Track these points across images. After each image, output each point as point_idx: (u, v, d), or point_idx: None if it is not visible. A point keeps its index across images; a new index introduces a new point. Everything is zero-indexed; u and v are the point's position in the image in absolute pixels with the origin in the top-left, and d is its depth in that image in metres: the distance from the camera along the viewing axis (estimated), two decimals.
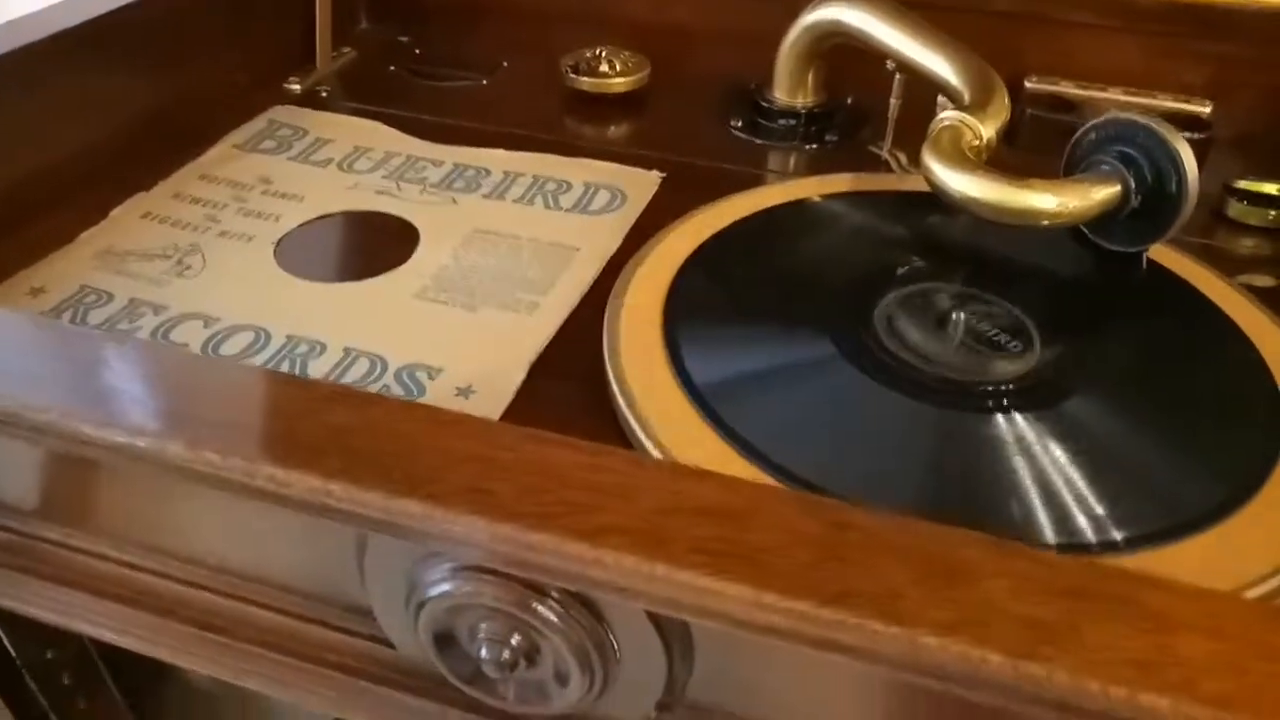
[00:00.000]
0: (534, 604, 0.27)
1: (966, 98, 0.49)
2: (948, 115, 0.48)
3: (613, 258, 0.50)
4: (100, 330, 0.43)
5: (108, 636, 0.36)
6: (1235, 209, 0.54)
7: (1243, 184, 0.54)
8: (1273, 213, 0.53)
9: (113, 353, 0.30)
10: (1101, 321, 0.45)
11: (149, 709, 0.48)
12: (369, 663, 0.33)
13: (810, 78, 0.62)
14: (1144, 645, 0.22)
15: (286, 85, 0.67)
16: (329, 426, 0.27)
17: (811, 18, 0.58)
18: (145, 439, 0.27)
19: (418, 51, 0.72)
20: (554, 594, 0.27)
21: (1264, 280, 0.49)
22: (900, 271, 0.47)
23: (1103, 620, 0.23)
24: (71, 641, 0.43)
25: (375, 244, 0.52)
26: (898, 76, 0.57)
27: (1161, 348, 0.44)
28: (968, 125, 0.47)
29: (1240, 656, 0.22)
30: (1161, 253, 0.48)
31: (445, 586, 0.28)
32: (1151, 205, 0.45)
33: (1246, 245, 0.53)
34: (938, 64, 0.52)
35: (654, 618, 0.27)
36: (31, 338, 0.31)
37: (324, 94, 0.67)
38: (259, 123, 0.62)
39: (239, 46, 0.66)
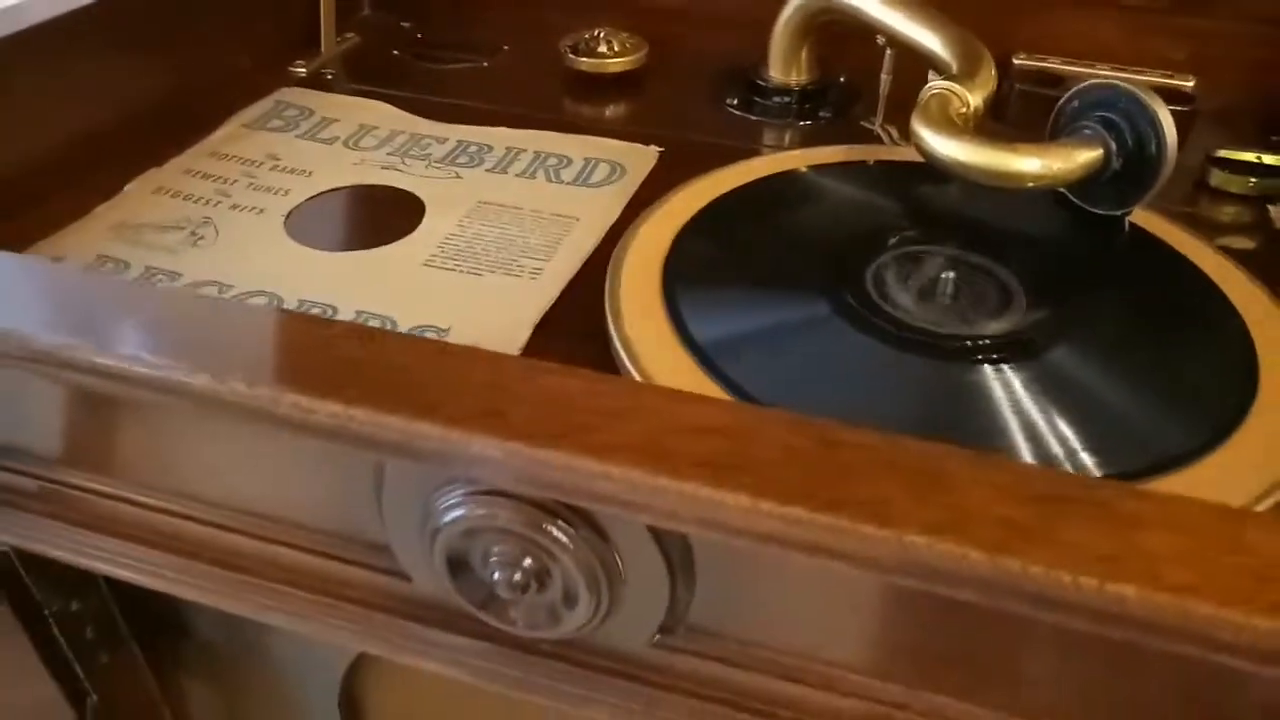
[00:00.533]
0: (545, 525, 0.29)
1: (954, 68, 0.51)
2: (936, 84, 0.50)
3: (613, 227, 0.52)
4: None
5: (135, 578, 0.37)
6: (1217, 177, 0.56)
7: (1223, 153, 0.56)
8: (1253, 180, 0.55)
9: (138, 294, 0.31)
10: (1086, 281, 0.47)
11: (166, 665, 0.50)
12: (386, 596, 0.35)
13: (804, 56, 0.63)
14: (1113, 542, 0.24)
15: (292, 69, 0.68)
16: (346, 358, 0.29)
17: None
18: (174, 371, 0.29)
19: (420, 36, 0.74)
20: (563, 515, 0.29)
21: (1243, 244, 0.51)
22: (892, 236, 0.49)
23: (1075, 521, 0.24)
24: (94, 594, 0.45)
25: (383, 216, 0.54)
26: (888, 52, 0.59)
27: (1143, 305, 0.46)
28: (955, 94, 0.49)
29: (1203, 550, 0.24)
30: (1145, 218, 0.50)
31: (460, 511, 0.30)
32: (1132, 168, 0.47)
33: (1228, 212, 0.55)
34: (926, 37, 0.54)
35: (657, 536, 0.29)
36: (59, 281, 0.33)
37: (329, 76, 0.68)
38: (266, 103, 0.64)
39: (244, 31, 0.68)
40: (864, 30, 0.58)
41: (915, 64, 0.56)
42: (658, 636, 0.32)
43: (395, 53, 0.72)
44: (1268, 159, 0.55)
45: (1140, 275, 0.48)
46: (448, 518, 0.30)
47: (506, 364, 0.30)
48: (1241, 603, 0.22)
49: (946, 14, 0.55)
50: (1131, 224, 0.50)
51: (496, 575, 0.30)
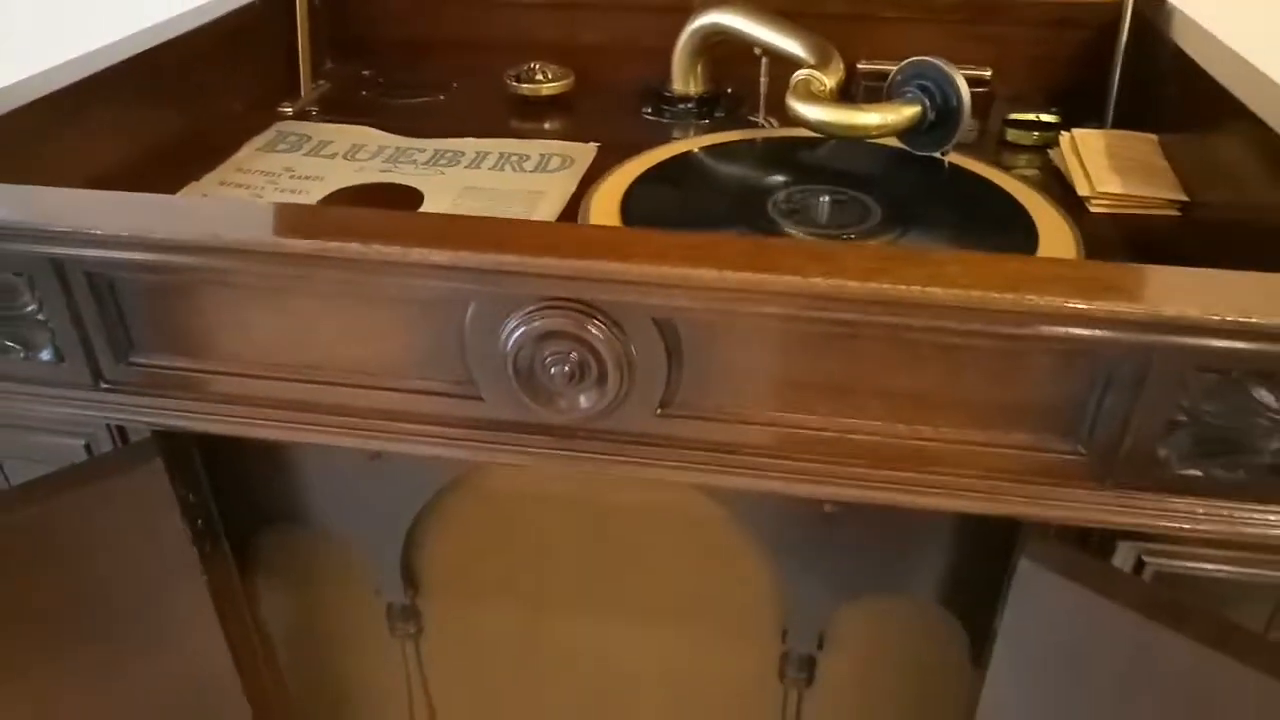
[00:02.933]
0: (586, 325, 0.46)
1: (813, 62, 0.72)
2: (801, 72, 0.70)
3: (572, 197, 0.70)
4: None
5: (271, 434, 0.52)
6: (1011, 134, 0.78)
7: (1014, 116, 0.78)
8: (1035, 134, 0.77)
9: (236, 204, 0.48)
10: (921, 198, 0.67)
11: (248, 564, 0.64)
12: (465, 416, 0.50)
13: (699, 71, 0.84)
14: (927, 270, 0.43)
15: (280, 109, 0.85)
16: (437, 227, 0.46)
17: (697, 23, 0.80)
18: (298, 243, 0.45)
19: (380, 81, 0.92)
20: (598, 316, 0.46)
21: (1031, 173, 0.73)
22: (780, 185, 0.68)
23: (904, 263, 0.43)
24: (202, 490, 0.59)
25: (389, 203, 0.70)
26: (764, 61, 0.79)
27: (964, 208, 0.67)
28: (815, 77, 0.70)
29: (978, 269, 0.43)
30: (965, 161, 0.71)
31: (528, 326, 0.46)
32: (943, 118, 0.68)
33: (1021, 158, 0.77)
34: (791, 44, 0.75)
35: (659, 326, 0.46)
36: (171, 205, 0.49)
37: (313, 113, 0.85)
38: (270, 133, 0.80)
39: (233, 81, 0.84)
40: (745, 46, 0.79)
41: (784, 72, 0.76)
42: (659, 410, 0.49)
43: (364, 93, 0.89)
44: (1045, 118, 0.78)
45: (961, 193, 0.69)
46: (519, 334, 0.47)
47: (540, 225, 0.47)
48: (995, 289, 0.41)
49: (806, 29, 0.76)
50: (954, 164, 0.71)
51: (553, 371, 0.47)
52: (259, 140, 0.79)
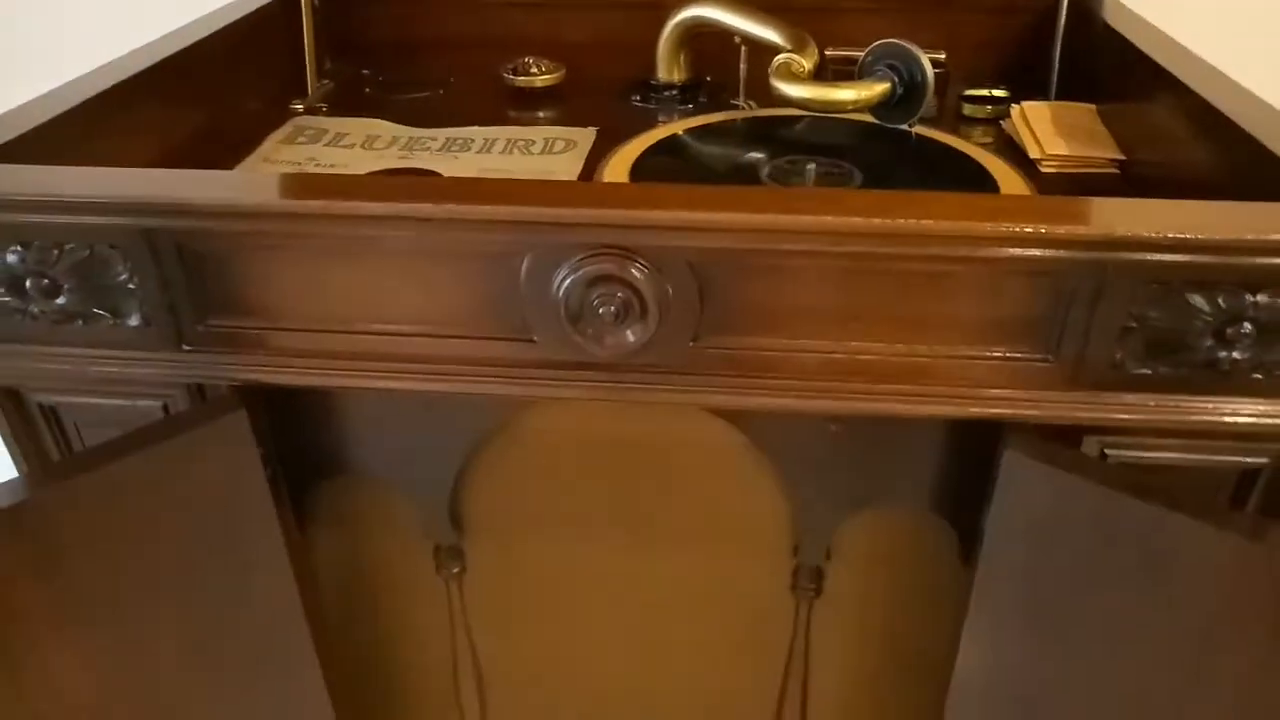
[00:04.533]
0: (629, 267, 0.54)
1: (790, 47, 0.81)
2: (781, 56, 0.79)
3: (579, 176, 0.78)
4: None
5: (344, 384, 0.59)
6: (967, 109, 0.88)
7: (969, 93, 0.88)
8: (989, 107, 0.87)
9: (315, 175, 0.55)
10: (895, 164, 0.76)
11: (303, 510, 0.71)
12: (517, 358, 0.58)
13: (682, 60, 0.92)
14: (917, 207, 0.51)
15: (292, 106, 0.92)
16: (484, 184, 0.53)
17: (680, 16, 0.89)
18: (376, 206, 0.52)
19: (380, 79, 0.99)
20: (639, 259, 0.54)
21: (986, 141, 0.83)
22: (766, 156, 0.77)
23: (902, 203, 0.52)
24: (269, 444, 0.65)
25: None
26: (743, 48, 0.88)
27: (931, 168, 0.76)
28: (794, 60, 0.79)
29: (961, 206, 0.52)
30: (929, 133, 0.80)
31: (579, 272, 0.54)
32: (909, 94, 0.78)
33: (977, 131, 0.87)
34: (768, 32, 0.84)
35: (692, 269, 0.54)
36: (257, 178, 0.56)
37: (323, 109, 0.92)
38: (288, 128, 0.87)
39: (245, 82, 0.90)
40: (723, 37, 0.87)
41: (762, 60, 0.85)
42: (692, 342, 0.57)
43: (367, 90, 0.97)
44: (996, 94, 0.88)
45: (929, 159, 0.78)
46: (570, 281, 0.54)
47: (601, 184, 0.55)
48: (977, 220, 0.50)
49: (780, 18, 0.85)
50: (920, 135, 0.80)
51: (601, 311, 0.55)
52: (279, 134, 0.86)
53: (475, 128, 0.87)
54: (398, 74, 1.00)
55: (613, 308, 0.55)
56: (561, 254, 0.55)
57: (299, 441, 0.67)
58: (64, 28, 1.19)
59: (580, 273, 0.55)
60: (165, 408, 0.64)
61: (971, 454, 0.62)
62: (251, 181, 0.58)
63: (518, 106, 0.93)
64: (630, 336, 0.56)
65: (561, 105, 0.94)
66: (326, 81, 0.97)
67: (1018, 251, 0.52)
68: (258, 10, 0.92)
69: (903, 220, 0.51)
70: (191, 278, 0.58)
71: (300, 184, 0.56)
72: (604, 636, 0.78)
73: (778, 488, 0.68)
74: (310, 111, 0.92)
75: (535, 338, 0.58)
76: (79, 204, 0.56)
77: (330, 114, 0.92)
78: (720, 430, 0.65)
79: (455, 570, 0.74)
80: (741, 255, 0.54)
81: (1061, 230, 0.50)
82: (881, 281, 0.55)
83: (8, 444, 0.66)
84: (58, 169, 0.58)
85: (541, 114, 0.92)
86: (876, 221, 0.51)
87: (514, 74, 0.94)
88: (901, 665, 0.75)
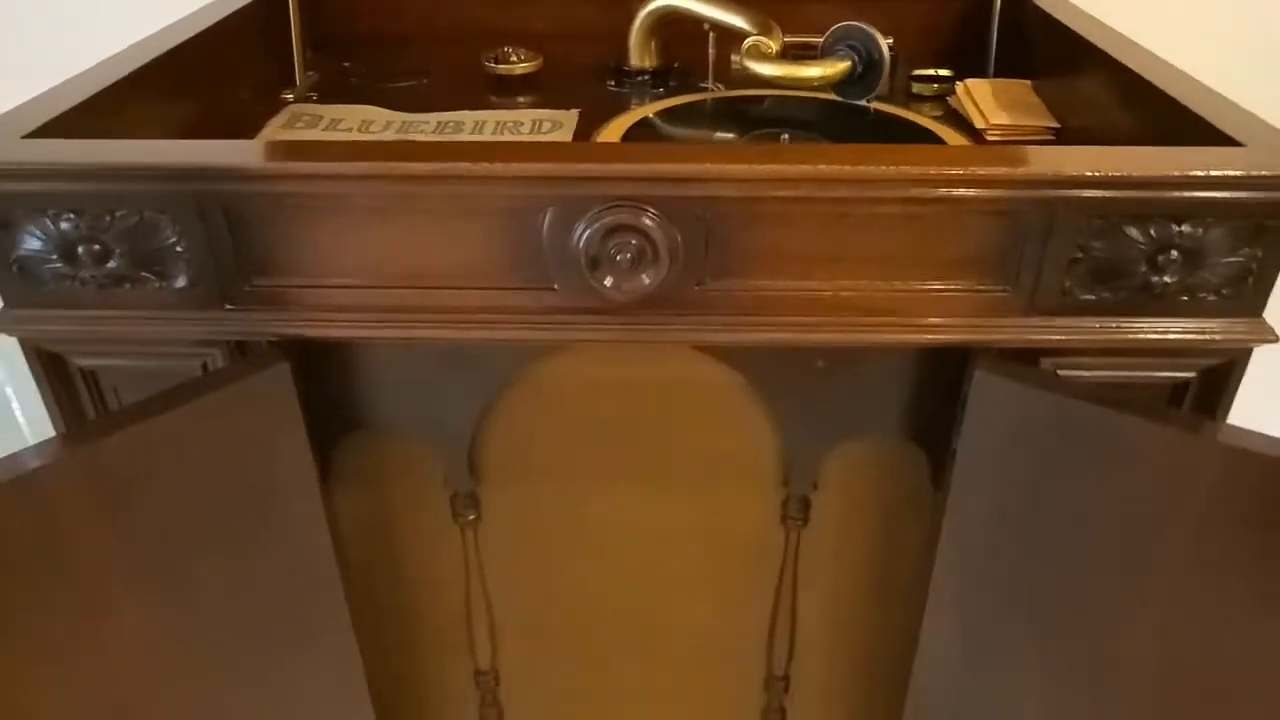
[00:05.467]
0: (642, 217, 0.61)
1: (756, 31, 0.89)
2: (750, 38, 0.87)
3: None
4: None
5: (378, 336, 0.65)
6: (916, 87, 0.97)
7: (917, 73, 0.97)
8: (935, 85, 0.97)
9: (356, 142, 0.61)
10: (858, 136, 0.85)
11: (329, 465, 0.76)
12: (540, 305, 0.65)
13: (653, 47, 1.00)
14: (898, 154, 0.60)
15: (283, 96, 0.97)
16: (510, 147, 0.60)
17: (652, 6, 0.96)
18: (416, 166, 0.59)
19: (362, 70, 1.05)
20: (651, 209, 0.61)
21: (936, 114, 0.92)
22: (742, 130, 0.85)
23: (883, 152, 0.60)
24: (304, 400, 0.71)
25: None
26: (711, 35, 0.96)
27: (891, 139, 0.85)
28: (763, 41, 0.87)
29: (944, 156, 0.60)
30: (883, 108, 0.89)
31: (597, 224, 0.61)
32: (867, 71, 0.86)
33: (926, 107, 0.96)
34: (735, 19, 0.92)
35: (699, 218, 0.62)
36: (302, 144, 0.62)
37: (314, 98, 0.97)
38: (285, 115, 0.92)
39: (236, 75, 0.95)
40: (690, 25, 0.95)
41: (727, 45, 0.93)
42: (697, 286, 0.64)
43: (353, 80, 1.02)
44: (941, 73, 0.97)
45: (888, 130, 0.87)
46: (589, 232, 0.61)
47: (617, 143, 0.62)
48: (947, 165, 0.59)
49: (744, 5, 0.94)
50: (877, 110, 0.89)
51: (618, 258, 0.62)
52: (278, 120, 0.91)
53: (465, 112, 0.93)
54: (377, 66, 1.05)
55: (629, 254, 0.62)
56: (582, 207, 0.62)
57: (322, 398, 0.73)
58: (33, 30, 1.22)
59: (598, 224, 0.62)
60: (204, 366, 0.69)
61: (941, 384, 0.71)
62: (300, 146, 0.63)
63: (499, 93, 1.00)
64: (645, 279, 0.63)
65: (541, 91, 1.00)
66: (312, 73, 1.02)
67: (981, 192, 0.60)
68: (240, 9, 0.97)
69: (883, 166, 0.59)
70: (236, 239, 0.63)
71: (347, 149, 0.62)
72: (609, 575, 0.84)
73: (769, 425, 0.76)
74: (300, 100, 0.97)
75: (556, 286, 0.65)
76: (134, 171, 0.61)
77: (320, 103, 0.97)
78: (719, 373, 0.73)
79: (471, 518, 0.81)
80: (742, 204, 0.62)
81: (1019, 172, 0.59)
82: (863, 226, 0.63)
83: (49, 407, 0.71)
84: (114, 142, 0.63)
85: (521, 99, 0.99)
86: (860, 168, 0.59)
87: (495, 63, 1.01)
88: (881, 587, 0.83)
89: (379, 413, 0.75)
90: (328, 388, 0.74)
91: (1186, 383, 0.68)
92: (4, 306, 0.67)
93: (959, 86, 0.94)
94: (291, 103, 0.96)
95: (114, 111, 0.75)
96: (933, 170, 0.59)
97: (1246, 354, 0.66)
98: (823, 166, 0.59)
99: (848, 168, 0.59)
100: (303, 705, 0.77)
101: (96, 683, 0.64)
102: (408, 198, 0.62)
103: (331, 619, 0.76)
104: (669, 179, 0.60)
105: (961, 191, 0.60)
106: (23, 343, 0.68)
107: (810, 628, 0.86)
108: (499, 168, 0.59)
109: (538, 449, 0.78)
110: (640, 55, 1.00)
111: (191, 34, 0.88)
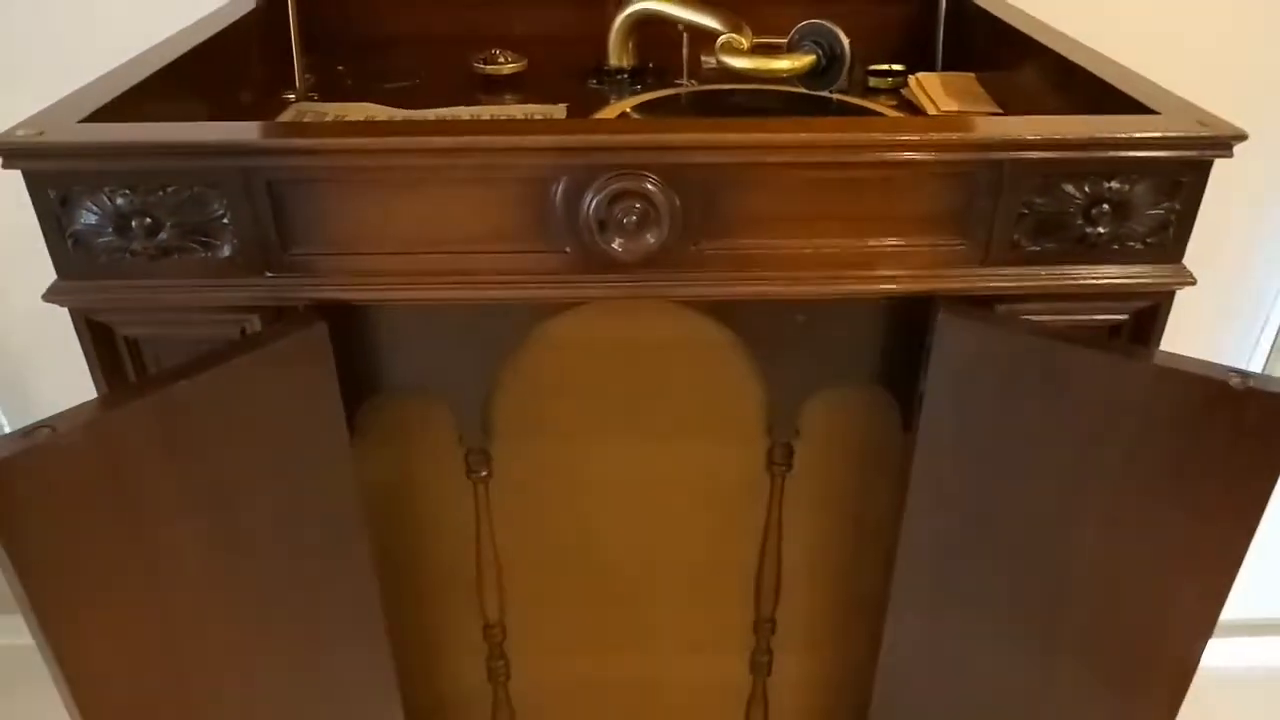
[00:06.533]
0: (644, 183, 0.70)
1: (727, 29, 0.99)
2: (724, 36, 0.97)
3: None
4: None
5: (405, 297, 0.73)
6: (873, 81, 1.07)
7: (873, 68, 1.08)
8: (890, 79, 1.07)
9: (389, 121, 0.69)
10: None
11: (358, 433, 0.83)
12: (552, 266, 0.73)
13: (630, 47, 1.09)
14: (888, 124, 0.69)
15: (284, 97, 1.04)
16: (528, 124, 0.69)
17: (630, 9, 1.06)
18: (444, 140, 0.67)
19: (356, 71, 1.12)
20: (652, 175, 0.70)
21: (892, 104, 1.02)
22: (719, 118, 0.94)
23: (857, 124, 0.69)
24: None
25: None
26: (685, 35, 1.05)
27: None
28: (735, 38, 0.96)
29: (923, 124, 0.70)
30: (847, 100, 0.99)
31: (604, 191, 0.69)
32: (830, 64, 0.96)
33: (883, 98, 1.06)
34: (708, 19, 1.01)
35: (695, 182, 0.70)
36: (344, 124, 0.70)
37: (314, 98, 1.05)
38: (290, 112, 1.00)
39: (238, 78, 1.02)
40: (665, 27, 1.05)
41: (699, 45, 1.02)
42: (693, 245, 0.73)
43: (349, 81, 1.10)
44: (894, 68, 1.07)
45: (849, 117, 0.97)
46: (597, 198, 0.70)
47: (624, 119, 0.71)
48: (913, 132, 0.68)
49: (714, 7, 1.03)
50: (840, 100, 0.99)
51: (624, 220, 0.70)
52: (285, 117, 0.98)
53: (460, 108, 1.01)
54: (370, 68, 1.13)
55: (634, 217, 0.71)
56: (590, 175, 0.70)
57: (346, 364, 0.80)
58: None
59: (606, 190, 0.70)
60: (242, 331, 0.76)
61: (908, 333, 0.80)
62: (339, 126, 0.71)
63: (488, 91, 1.08)
64: (650, 239, 0.72)
65: (526, 90, 1.09)
66: (309, 76, 1.09)
67: (940, 156, 0.70)
68: (250, 12, 1.04)
69: (859, 134, 0.69)
70: (278, 211, 0.71)
71: (381, 127, 0.70)
72: (608, 526, 0.92)
73: (754, 378, 0.85)
74: (302, 99, 1.04)
75: (568, 248, 0.73)
76: (187, 149, 0.68)
77: (323, 100, 1.04)
78: (709, 329, 0.82)
79: (483, 474, 0.88)
80: (734, 170, 0.71)
81: (973, 135, 0.69)
82: (839, 190, 0.72)
83: (94, 374, 0.77)
84: (167, 124, 0.70)
85: (509, 97, 1.07)
86: (839, 135, 0.69)
87: (484, 64, 1.09)
88: (858, 528, 0.92)
89: (397, 375, 0.83)
90: (351, 353, 0.81)
91: (1120, 325, 0.78)
92: (57, 279, 0.73)
93: (911, 79, 1.04)
94: (294, 102, 1.04)
95: (128, 118, 0.82)
96: (900, 136, 0.69)
97: (1170, 296, 0.77)
98: (804, 135, 0.69)
99: (827, 135, 0.69)
100: (327, 638, 0.83)
101: (147, 614, 0.70)
102: (435, 170, 0.70)
103: (358, 569, 0.83)
104: (670, 147, 0.69)
105: (924, 155, 0.70)
106: (73, 313, 0.74)
107: (794, 567, 0.95)
108: (519, 140, 0.68)
109: (545, 406, 0.86)
110: (619, 55, 1.09)
111: (191, 45, 0.95)
